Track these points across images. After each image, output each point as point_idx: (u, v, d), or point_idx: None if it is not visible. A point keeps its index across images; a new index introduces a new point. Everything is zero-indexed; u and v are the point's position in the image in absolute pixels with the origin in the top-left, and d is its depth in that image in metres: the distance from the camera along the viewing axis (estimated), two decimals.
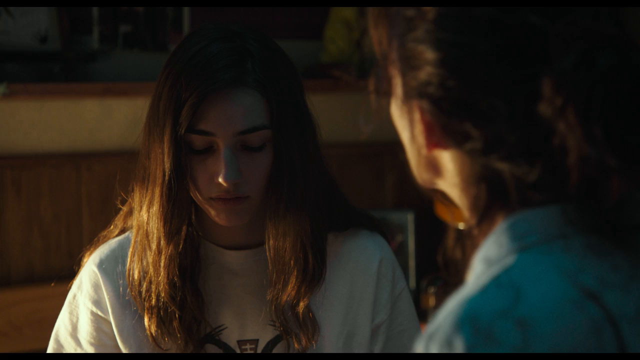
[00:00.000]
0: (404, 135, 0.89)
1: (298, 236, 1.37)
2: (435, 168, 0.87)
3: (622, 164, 0.76)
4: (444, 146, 0.84)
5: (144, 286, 1.39)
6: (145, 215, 1.37)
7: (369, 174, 3.09)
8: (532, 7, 0.80)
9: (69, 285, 1.50)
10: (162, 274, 1.36)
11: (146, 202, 1.36)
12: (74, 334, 1.46)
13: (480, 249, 0.83)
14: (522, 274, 0.77)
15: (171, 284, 1.37)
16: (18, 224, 2.62)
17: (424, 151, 0.86)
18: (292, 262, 1.37)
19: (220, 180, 1.31)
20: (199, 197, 1.35)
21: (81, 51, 2.72)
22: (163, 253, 1.35)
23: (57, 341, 1.47)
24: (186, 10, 2.85)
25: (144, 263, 1.38)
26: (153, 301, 1.38)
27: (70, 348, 1.46)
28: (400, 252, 2.99)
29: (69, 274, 1.52)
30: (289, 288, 1.38)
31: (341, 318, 1.45)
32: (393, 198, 3.13)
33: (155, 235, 1.35)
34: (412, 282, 3.01)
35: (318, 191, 1.40)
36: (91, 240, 1.52)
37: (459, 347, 0.74)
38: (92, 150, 2.73)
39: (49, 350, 1.49)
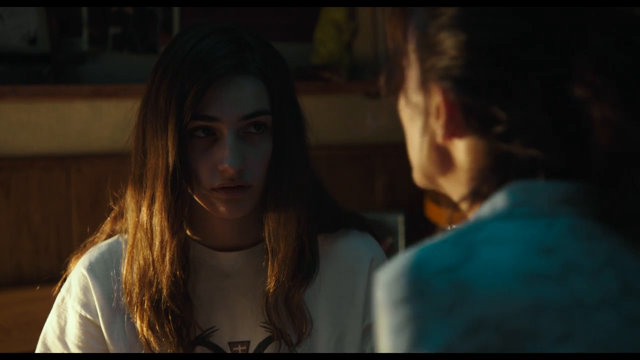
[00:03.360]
0: (413, 127, 0.89)
1: (295, 225, 1.38)
2: (446, 161, 0.87)
3: None
4: (462, 134, 0.84)
5: (136, 290, 1.39)
6: (145, 213, 1.36)
7: (360, 176, 3.09)
8: None
9: (57, 288, 1.49)
10: (167, 268, 1.35)
11: (146, 201, 1.36)
12: (61, 337, 1.45)
13: (485, 204, 0.83)
14: (487, 239, 0.78)
15: (174, 279, 1.36)
16: (7, 226, 2.61)
17: (439, 140, 0.85)
18: (289, 251, 1.37)
19: (226, 166, 1.31)
20: (201, 189, 1.35)
21: (70, 53, 2.71)
22: (168, 247, 1.35)
23: (44, 344, 1.47)
24: (176, 12, 2.85)
25: (141, 263, 1.38)
26: (146, 304, 1.38)
27: (57, 351, 1.45)
28: (390, 254, 2.99)
29: (57, 276, 1.51)
30: (284, 278, 1.38)
31: (333, 318, 1.45)
32: (383, 200, 3.13)
33: (158, 230, 1.35)
34: None
35: (310, 187, 1.41)
36: (81, 243, 1.51)
37: (396, 294, 0.76)
38: (81, 152, 2.73)
39: (37, 351, 1.48)
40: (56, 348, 1.45)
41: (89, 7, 2.73)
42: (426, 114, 0.86)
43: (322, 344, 1.44)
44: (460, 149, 0.85)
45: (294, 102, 1.40)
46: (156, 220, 1.35)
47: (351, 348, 1.46)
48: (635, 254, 0.80)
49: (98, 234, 1.50)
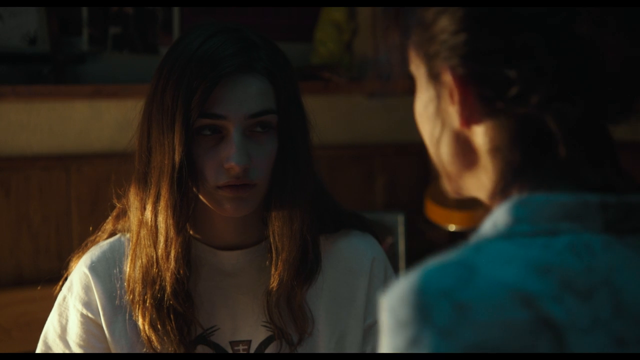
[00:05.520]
0: (433, 126, 0.88)
1: (300, 225, 1.39)
2: (469, 152, 0.86)
3: None
4: (479, 118, 0.83)
5: (138, 288, 1.39)
6: (150, 211, 1.36)
7: (360, 175, 3.09)
8: None
9: (58, 287, 1.49)
10: (171, 265, 1.36)
11: (151, 198, 1.36)
12: (62, 336, 1.45)
13: (485, 220, 0.83)
14: (486, 260, 0.78)
15: (178, 276, 1.37)
16: (7, 226, 2.61)
17: (458, 128, 0.85)
18: (293, 250, 1.38)
19: (232, 164, 1.32)
20: (207, 186, 1.35)
21: (70, 53, 2.71)
22: (173, 245, 1.36)
23: (46, 343, 1.47)
24: (176, 12, 2.85)
25: (144, 261, 1.38)
26: (148, 302, 1.38)
27: (58, 350, 1.45)
28: (390, 253, 2.99)
29: (57, 276, 1.51)
30: (287, 277, 1.38)
31: (333, 318, 1.46)
32: (383, 200, 3.13)
33: (163, 228, 1.35)
34: None
35: (313, 187, 1.42)
36: (81, 243, 1.51)
37: (399, 316, 0.76)
38: (81, 152, 2.72)
39: (37, 350, 1.48)
40: (57, 347, 1.46)
41: (89, 7, 2.73)
42: (440, 104, 0.86)
43: (323, 344, 1.45)
44: (479, 134, 0.84)
45: (298, 102, 1.41)
46: (161, 218, 1.35)
47: (352, 348, 1.46)
48: (635, 268, 0.80)
49: (100, 233, 1.50)
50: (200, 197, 1.37)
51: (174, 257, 1.36)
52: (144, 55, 2.80)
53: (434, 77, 0.85)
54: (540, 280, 0.77)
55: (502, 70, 0.80)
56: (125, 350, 1.43)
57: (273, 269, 1.39)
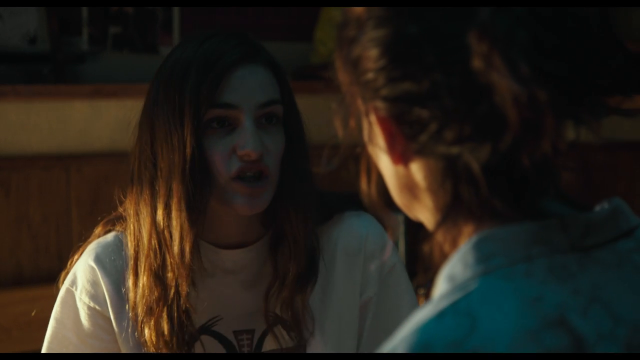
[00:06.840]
0: (379, 160, 0.88)
1: (310, 214, 1.41)
2: (409, 188, 0.87)
3: (550, 95, 0.75)
4: (411, 155, 0.84)
5: (146, 296, 1.39)
6: (161, 210, 1.35)
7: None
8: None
9: (59, 283, 1.49)
10: (187, 259, 1.35)
11: (162, 198, 1.35)
12: (70, 330, 1.45)
13: (447, 265, 0.82)
14: (480, 302, 0.77)
15: (192, 274, 1.37)
16: (7, 226, 2.62)
17: (394, 166, 0.85)
18: (305, 239, 1.40)
19: (248, 150, 1.33)
20: (220, 180, 1.35)
21: (70, 52, 2.72)
22: (187, 239, 1.35)
23: (52, 339, 1.46)
24: (176, 12, 2.85)
25: (155, 267, 1.38)
26: (157, 309, 1.38)
27: (64, 344, 1.45)
28: None
29: (57, 276, 1.51)
30: (296, 268, 1.39)
31: (334, 304, 1.47)
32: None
33: (177, 223, 1.34)
34: None
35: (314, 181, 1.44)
36: (81, 243, 1.51)
37: None
38: (81, 152, 2.73)
39: (44, 349, 1.48)
40: (65, 340, 1.45)
41: (89, 7, 2.73)
42: (376, 142, 0.86)
43: (319, 332, 1.45)
44: (415, 170, 0.85)
45: (294, 97, 1.44)
46: (174, 214, 1.34)
47: (348, 327, 1.47)
48: (614, 283, 0.80)
49: (91, 238, 1.50)
50: (212, 195, 1.37)
51: (189, 251, 1.36)
52: (144, 55, 2.81)
53: (366, 116, 0.86)
54: (537, 309, 0.77)
55: (416, 111, 0.80)
56: (132, 342, 1.43)
57: (286, 260, 1.40)
